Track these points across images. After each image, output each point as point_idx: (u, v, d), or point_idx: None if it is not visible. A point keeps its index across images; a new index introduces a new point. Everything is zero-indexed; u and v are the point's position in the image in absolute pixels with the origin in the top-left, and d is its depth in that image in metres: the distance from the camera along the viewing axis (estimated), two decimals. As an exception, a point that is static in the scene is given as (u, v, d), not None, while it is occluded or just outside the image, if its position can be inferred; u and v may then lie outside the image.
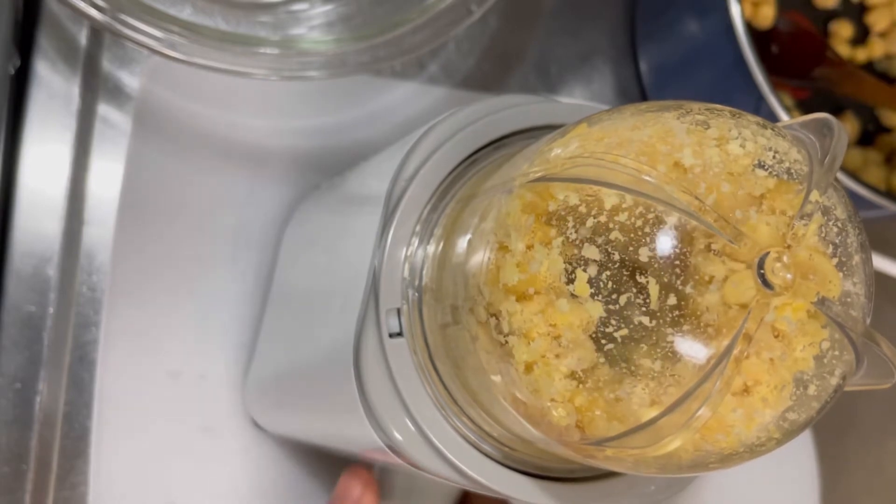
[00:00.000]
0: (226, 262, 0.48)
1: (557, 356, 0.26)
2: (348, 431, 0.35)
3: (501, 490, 0.32)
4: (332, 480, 0.49)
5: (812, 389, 0.26)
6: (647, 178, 0.25)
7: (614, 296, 0.25)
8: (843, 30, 0.59)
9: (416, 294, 0.32)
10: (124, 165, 0.46)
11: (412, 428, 0.32)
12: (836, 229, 0.26)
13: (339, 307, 0.35)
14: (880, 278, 0.44)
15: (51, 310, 0.44)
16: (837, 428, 0.59)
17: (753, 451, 0.26)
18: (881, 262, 0.53)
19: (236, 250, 0.49)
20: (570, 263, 0.25)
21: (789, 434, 0.27)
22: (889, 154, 0.59)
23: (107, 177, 0.46)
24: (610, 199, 0.25)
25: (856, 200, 0.50)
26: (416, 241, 0.33)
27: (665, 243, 0.25)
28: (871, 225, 0.31)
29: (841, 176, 0.49)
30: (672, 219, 0.25)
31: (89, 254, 0.46)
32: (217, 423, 0.47)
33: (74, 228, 0.45)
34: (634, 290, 0.25)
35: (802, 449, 0.56)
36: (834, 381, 0.27)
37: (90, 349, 0.45)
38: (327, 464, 0.48)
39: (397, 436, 0.32)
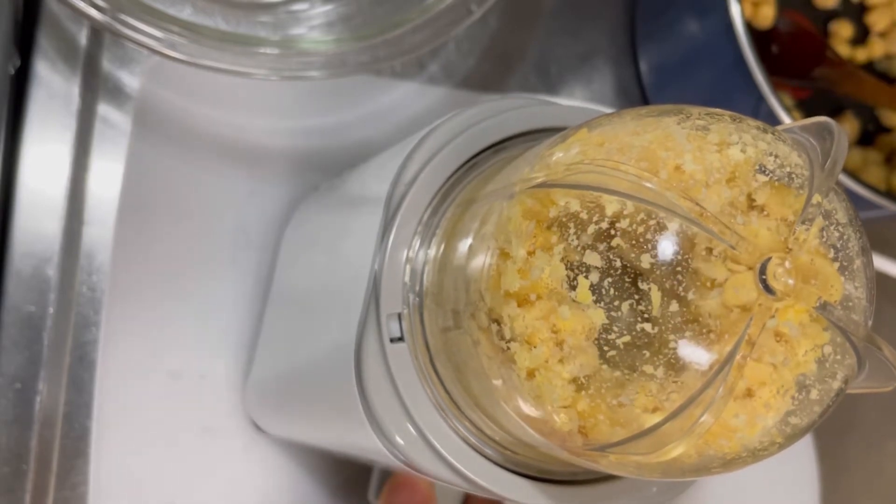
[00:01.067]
0: (226, 262, 0.48)
1: (560, 362, 0.26)
2: (349, 435, 0.35)
3: (503, 493, 0.32)
4: (332, 481, 0.49)
5: (814, 393, 0.26)
6: (648, 184, 0.25)
7: (616, 302, 0.25)
8: (843, 30, 0.59)
9: (417, 298, 0.32)
10: (124, 165, 0.46)
11: (413, 432, 0.32)
12: (837, 233, 0.26)
13: (339, 310, 0.35)
14: (880, 278, 0.44)
15: (51, 310, 0.44)
16: (838, 429, 0.59)
17: (756, 455, 0.26)
18: (881, 262, 0.53)
19: (236, 250, 0.48)
20: (572, 270, 0.25)
21: (792, 438, 0.27)
22: (889, 154, 0.59)
23: (107, 177, 0.46)
24: (611, 205, 0.25)
25: (856, 200, 0.50)
26: (416, 245, 0.33)
27: (666, 250, 0.25)
28: (871, 225, 0.31)
29: (841, 176, 0.49)
30: (673, 225, 0.25)
31: (89, 254, 0.46)
32: (217, 423, 0.47)
33: (74, 228, 0.45)
34: (636, 296, 0.25)
35: (803, 450, 0.56)
36: (836, 384, 0.27)
37: (90, 349, 0.45)
38: (328, 464, 0.48)
39: (399, 440, 0.32)
